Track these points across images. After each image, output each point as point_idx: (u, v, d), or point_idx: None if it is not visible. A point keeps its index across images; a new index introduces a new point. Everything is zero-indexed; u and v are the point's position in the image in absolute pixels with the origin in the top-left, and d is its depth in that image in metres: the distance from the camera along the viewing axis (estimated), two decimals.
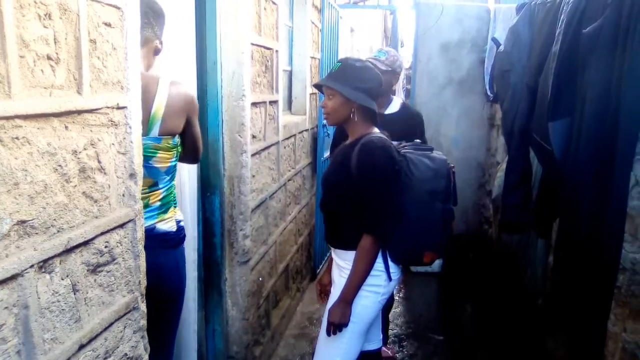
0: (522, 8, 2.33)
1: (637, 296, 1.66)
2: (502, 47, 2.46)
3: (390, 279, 1.95)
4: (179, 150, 1.78)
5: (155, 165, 1.66)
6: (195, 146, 1.87)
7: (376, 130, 1.98)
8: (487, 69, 3.12)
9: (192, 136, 1.82)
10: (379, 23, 11.98)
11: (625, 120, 1.40)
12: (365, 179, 1.84)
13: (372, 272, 1.92)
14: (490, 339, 3.40)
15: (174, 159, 1.74)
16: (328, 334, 1.92)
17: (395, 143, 2.00)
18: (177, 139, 1.74)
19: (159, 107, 1.62)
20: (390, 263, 1.96)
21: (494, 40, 2.91)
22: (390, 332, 3.45)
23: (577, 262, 1.73)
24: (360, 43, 10.83)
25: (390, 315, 3.70)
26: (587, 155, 1.58)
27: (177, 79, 1.78)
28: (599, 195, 1.55)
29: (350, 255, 1.92)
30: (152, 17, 1.69)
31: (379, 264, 1.93)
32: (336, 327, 1.90)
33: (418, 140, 2.10)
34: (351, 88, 1.88)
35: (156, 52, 1.75)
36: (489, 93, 3.19)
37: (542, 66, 1.94)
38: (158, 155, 1.66)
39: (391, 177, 1.87)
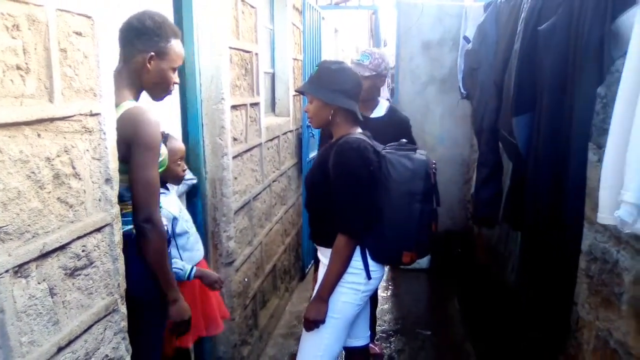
0: (489, 6, 2.39)
1: (607, 285, 1.71)
2: (469, 46, 2.51)
3: (369, 277, 1.98)
4: None
5: None
6: (136, 191, 1.60)
7: (358, 130, 2.01)
8: (460, 67, 3.17)
9: (133, 176, 1.60)
10: (365, 23, 12.04)
11: (578, 115, 1.46)
12: (337, 178, 1.89)
13: (351, 270, 1.95)
14: (476, 333, 3.45)
15: None
16: (306, 330, 1.97)
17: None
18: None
19: None
20: (371, 262, 1.99)
21: (465, 38, 2.97)
22: (378, 328, 3.49)
23: (540, 251, 1.78)
24: (345, 43, 10.86)
25: (378, 312, 3.74)
26: (546, 148, 1.64)
27: (143, 105, 1.68)
28: (557, 187, 1.60)
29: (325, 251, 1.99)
30: (129, 34, 1.67)
31: (357, 262, 1.97)
32: (311, 323, 1.94)
33: (404, 140, 2.10)
34: (328, 91, 1.93)
35: (144, 68, 1.70)
36: (462, 90, 3.25)
37: (507, 63, 2.00)
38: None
39: (363, 177, 1.88)
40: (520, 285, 2.32)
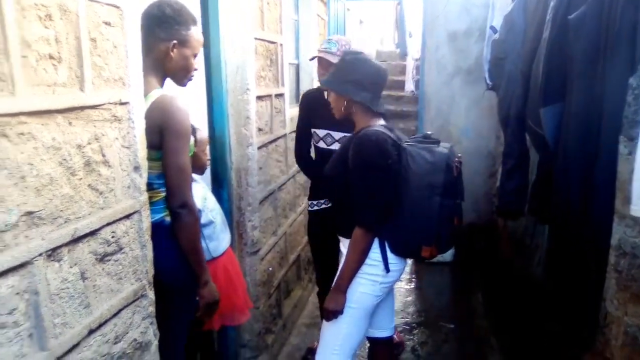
0: None
1: (637, 280, 1.67)
2: (496, 35, 2.46)
3: (387, 270, 1.97)
4: None
5: None
6: (169, 177, 1.64)
7: (379, 122, 1.99)
8: (486, 57, 3.12)
9: (165, 163, 1.63)
10: (390, 14, 11.94)
11: (609, 106, 1.42)
12: (355, 170, 1.89)
13: (369, 262, 1.95)
14: (501, 327, 3.41)
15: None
16: (325, 320, 1.99)
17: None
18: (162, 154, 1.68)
19: None
20: (391, 254, 1.97)
21: (492, 28, 2.92)
22: (401, 320, 3.49)
23: (568, 245, 1.75)
24: (370, 34, 10.80)
25: (401, 304, 3.74)
26: (575, 140, 1.60)
27: (172, 93, 1.71)
28: (586, 180, 1.56)
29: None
30: (151, 22, 1.69)
31: (376, 253, 1.95)
32: (330, 313, 1.95)
33: (429, 132, 2.08)
34: (340, 82, 1.95)
35: (167, 57, 1.73)
36: (487, 81, 3.20)
37: (535, 53, 1.95)
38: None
39: (380, 170, 1.87)
40: (547, 279, 2.28)
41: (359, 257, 1.94)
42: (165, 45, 1.72)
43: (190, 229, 1.72)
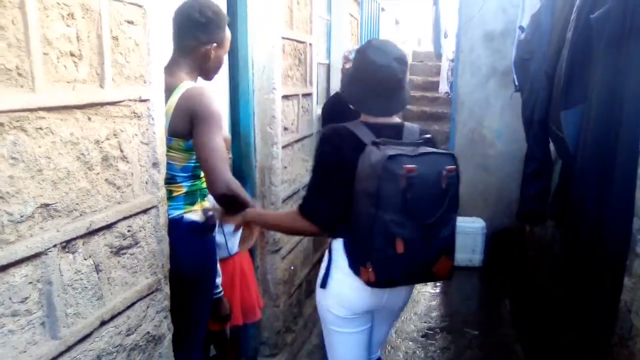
0: None
1: None
2: (522, 35, 2.40)
3: (324, 284, 1.73)
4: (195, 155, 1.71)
5: (169, 161, 1.60)
6: (204, 161, 1.63)
7: (370, 119, 1.72)
8: (513, 58, 3.05)
9: (199, 147, 1.63)
10: (428, 14, 11.79)
11: (629, 108, 1.36)
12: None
13: (337, 273, 1.72)
14: (527, 335, 3.33)
15: (192, 161, 1.72)
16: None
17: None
18: (192, 144, 1.70)
19: (168, 109, 1.62)
20: (348, 272, 1.68)
21: (521, 28, 2.85)
22: (423, 325, 3.45)
23: (584, 252, 1.69)
24: (407, 35, 10.70)
25: (424, 308, 3.70)
26: (595, 144, 1.54)
27: (202, 85, 1.75)
28: (604, 185, 1.51)
29: (333, 242, 1.76)
30: (191, 26, 1.73)
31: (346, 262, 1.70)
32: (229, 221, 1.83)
33: (428, 136, 1.71)
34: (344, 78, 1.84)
35: (206, 58, 1.77)
36: (515, 82, 3.13)
37: (559, 54, 1.89)
38: (171, 153, 1.63)
39: (325, 165, 1.67)
40: (563, 287, 2.22)
41: (284, 229, 1.86)
42: (205, 49, 1.76)
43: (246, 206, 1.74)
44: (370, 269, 1.51)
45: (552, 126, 1.96)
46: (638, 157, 1.44)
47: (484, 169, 4.84)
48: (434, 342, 3.29)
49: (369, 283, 1.54)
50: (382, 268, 1.52)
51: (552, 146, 2.38)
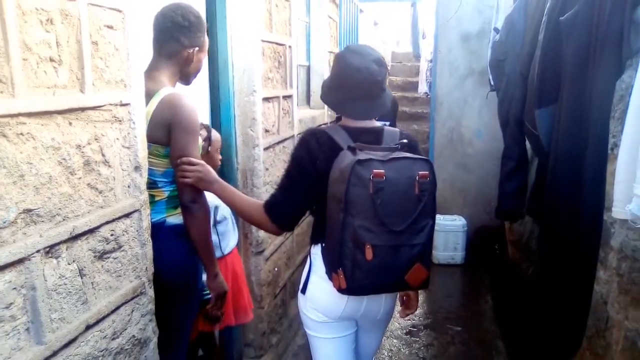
0: None
1: (637, 284, 1.65)
2: (497, 37, 2.46)
3: (304, 289, 1.73)
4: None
5: (150, 167, 1.60)
6: (176, 169, 1.67)
7: (347, 122, 1.71)
8: (489, 59, 3.12)
9: (173, 155, 1.66)
10: (406, 15, 11.90)
11: (597, 108, 1.41)
12: None
13: (315, 278, 1.72)
14: (509, 330, 3.39)
15: (171, 167, 1.71)
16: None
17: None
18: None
19: (147, 114, 1.61)
20: (324, 277, 1.65)
21: (496, 29, 2.92)
22: (407, 322, 3.49)
23: (558, 247, 1.74)
24: (386, 36, 10.78)
25: None
26: (566, 141, 1.59)
27: (181, 91, 1.75)
28: (576, 181, 1.56)
29: (312, 248, 1.76)
30: (174, 30, 1.74)
31: (323, 268, 1.68)
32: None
33: (405, 141, 1.64)
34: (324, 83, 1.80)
35: (187, 61, 1.78)
36: (491, 82, 3.20)
37: (533, 55, 1.94)
38: (150, 159, 1.61)
39: (295, 167, 1.66)
40: (541, 281, 2.27)
41: (244, 216, 1.84)
42: (187, 52, 1.77)
43: (202, 223, 1.76)
44: (342, 276, 1.49)
45: (527, 124, 2.01)
46: (607, 154, 1.50)
47: (464, 168, 4.92)
48: (417, 339, 3.33)
49: (340, 289, 1.52)
50: (352, 274, 1.48)
51: (528, 144, 2.45)
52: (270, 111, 2.74)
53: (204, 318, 2.07)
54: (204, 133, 2.10)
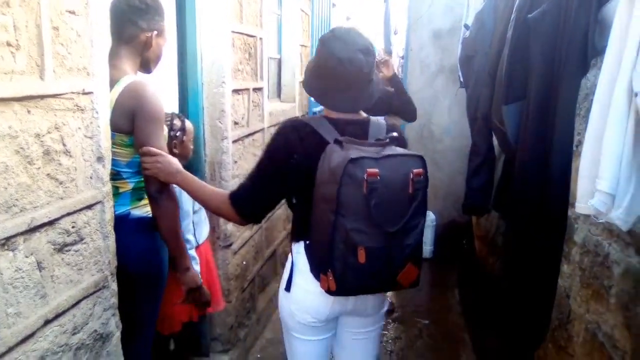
0: None
1: (598, 277, 1.70)
2: (467, 33, 2.49)
3: (288, 287, 1.66)
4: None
5: (114, 157, 1.56)
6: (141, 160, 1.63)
7: (332, 114, 1.62)
8: (459, 55, 3.17)
9: (138, 144, 1.64)
10: (379, 11, 11.94)
11: (563, 105, 1.45)
12: None
13: (300, 279, 1.65)
14: (474, 323, 3.45)
15: (137, 157, 1.68)
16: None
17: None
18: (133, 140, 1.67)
19: (110, 102, 1.55)
20: (309, 276, 1.59)
21: (466, 26, 2.95)
22: None
23: (524, 242, 1.78)
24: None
25: None
26: (533, 137, 1.63)
27: (144, 79, 1.70)
28: (542, 177, 1.60)
29: (294, 245, 1.70)
30: (131, 13, 1.70)
31: (307, 266, 1.62)
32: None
33: (395, 134, 1.57)
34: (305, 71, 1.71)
35: (147, 46, 1.76)
36: (461, 79, 3.24)
37: (501, 53, 1.97)
38: (114, 149, 1.58)
39: (269, 159, 1.59)
40: (507, 275, 2.32)
41: (208, 208, 1.76)
42: (146, 36, 1.75)
43: (170, 214, 1.72)
44: (331, 278, 1.41)
45: (494, 120, 2.04)
46: (572, 150, 1.54)
47: (434, 164, 4.96)
48: (386, 332, 3.36)
49: (328, 291, 1.45)
50: (343, 277, 1.41)
51: (495, 140, 2.49)
52: (240, 103, 2.70)
53: (195, 305, 2.01)
54: (178, 123, 2.07)
